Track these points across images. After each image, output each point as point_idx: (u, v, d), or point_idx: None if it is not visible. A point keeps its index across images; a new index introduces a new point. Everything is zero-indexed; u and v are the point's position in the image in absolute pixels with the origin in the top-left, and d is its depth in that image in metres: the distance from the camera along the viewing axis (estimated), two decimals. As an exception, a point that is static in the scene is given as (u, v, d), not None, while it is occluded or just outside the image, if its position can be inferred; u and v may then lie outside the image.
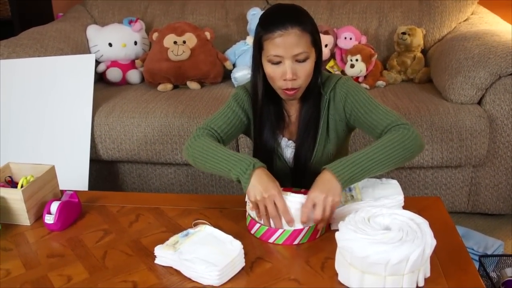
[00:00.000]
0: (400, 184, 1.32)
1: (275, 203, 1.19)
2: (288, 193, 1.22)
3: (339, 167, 1.20)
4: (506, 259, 1.75)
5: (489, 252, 1.85)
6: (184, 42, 2.49)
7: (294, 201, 1.20)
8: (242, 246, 1.12)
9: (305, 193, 1.22)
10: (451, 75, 2.10)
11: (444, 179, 2.14)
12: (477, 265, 1.69)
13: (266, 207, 1.20)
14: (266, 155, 1.46)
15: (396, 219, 1.07)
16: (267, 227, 1.22)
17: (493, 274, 1.70)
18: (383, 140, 1.25)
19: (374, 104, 1.35)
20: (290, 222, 1.20)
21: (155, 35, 2.58)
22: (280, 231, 1.20)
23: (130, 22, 2.69)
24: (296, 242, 1.21)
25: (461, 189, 2.14)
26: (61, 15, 3.06)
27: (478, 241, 1.90)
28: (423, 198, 1.55)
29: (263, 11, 1.45)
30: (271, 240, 1.22)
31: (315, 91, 1.41)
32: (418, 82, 2.46)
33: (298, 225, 1.21)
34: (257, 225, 1.23)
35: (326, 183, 1.19)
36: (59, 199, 1.35)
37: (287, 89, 1.34)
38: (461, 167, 2.11)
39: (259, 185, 1.20)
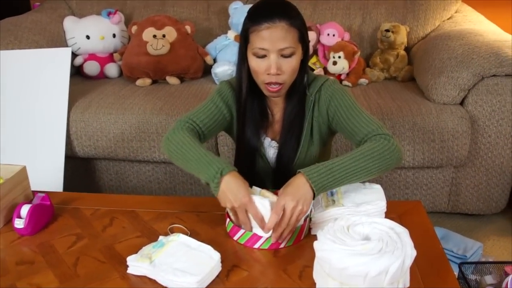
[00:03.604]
0: (381, 185, 1.31)
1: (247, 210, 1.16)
2: (266, 193, 1.20)
3: (315, 174, 1.16)
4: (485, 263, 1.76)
5: (468, 254, 1.85)
6: (164, 36, 2.44)
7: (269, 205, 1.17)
8: (219, 256, 1.09)
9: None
10: (434, 75, 2.08)
11: (425, 180, 2.13)
12: (456, 268, 1.68)
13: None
14: (248, 154, 1.43)
15: (376, 228, 1.05)
16: (252, 233, 1.18)
17: (471, 277, 1.70)
18: (362, 150, 1.22)
19: (358, 110, 1.32)
20: (264, 228, 1.16)
21: (134, 28, 2.52)
22: (266, 236, 1.17)
23: (108, 14, 2.62)
24: (282, 245, 1.18)
25: (442, 189, 2.14)
26: (37, 5, 2.98)
27: (457, 243, 1.90)
28: (404, 202, 1.54)
29: (249, 4, 1.41)
30: (256, 246, 1.19)
31: (300, 90, 1.38)
32: (401, 80, 2.44)
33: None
34: (241, 231, 1.20)
35: (299, 190, 1.15)
36: (30, 202, 1.31)
37: (270, 84, 1.30)
38: (442, 168, 2.10)
39: (229, 194, 1.16)
